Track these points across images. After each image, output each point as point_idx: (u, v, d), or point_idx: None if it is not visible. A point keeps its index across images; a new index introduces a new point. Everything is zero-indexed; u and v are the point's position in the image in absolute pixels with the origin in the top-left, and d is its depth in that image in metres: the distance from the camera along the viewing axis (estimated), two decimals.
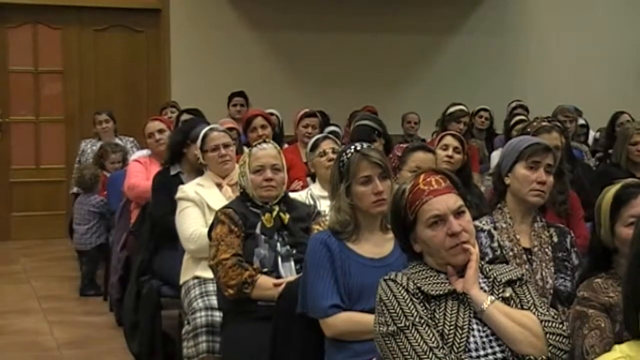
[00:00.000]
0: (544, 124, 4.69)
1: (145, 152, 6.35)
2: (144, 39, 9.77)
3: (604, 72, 10.71)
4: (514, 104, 8.85)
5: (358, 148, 3.20)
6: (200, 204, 4.46)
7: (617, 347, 1.92)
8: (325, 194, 4.13)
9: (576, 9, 10.86)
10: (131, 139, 8.17)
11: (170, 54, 9.63)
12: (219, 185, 4.61)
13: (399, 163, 4.29)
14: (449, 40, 10.64)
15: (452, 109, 7.20)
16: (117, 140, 7.94)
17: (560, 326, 2.53)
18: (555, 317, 2.56)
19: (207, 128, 4.81)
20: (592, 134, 8.59)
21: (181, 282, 4.45)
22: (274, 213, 3.85)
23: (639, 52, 11.09)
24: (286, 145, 6.66)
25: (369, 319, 2.70)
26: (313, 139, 4.96)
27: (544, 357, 2.45)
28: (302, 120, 6.47)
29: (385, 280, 2.52)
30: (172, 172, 5.14)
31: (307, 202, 4.43)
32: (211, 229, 3.88)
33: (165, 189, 4.94)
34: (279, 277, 3.70)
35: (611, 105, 8.76)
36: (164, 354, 4.76)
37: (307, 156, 4.96)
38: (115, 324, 5.91)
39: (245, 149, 4.40)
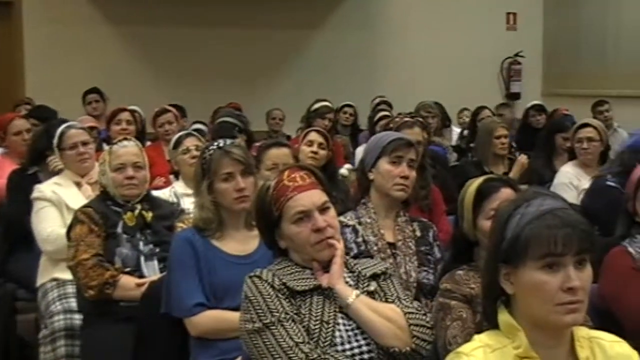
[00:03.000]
0: (406, 119, 4.77)
1: None
2: None
3: (465, 68, 11.01)
4: (377, 100, 8.99)
5: (220, 145, 3.19)
6: (58, 203, 4.34)
7: (476, 337, 1.96)
8: (189, 191, 4.08)
9: (437, 7, 11.13)
10: None
11: (23, 48, 9.30)
12: (78, 184, 4.49)
13: (256, 163, 4.27)
14: (313, 36, 10.71)
15: (316, 105, 7.24)
16: None
17: (424, 318, 2.56)
18: (419, 309, 2.59)
19: (64, 126, 4.67)
20: (455, 130, 8.82)
21: (38, 284, 4.31)
22: (136, 212, 3.77)
23: (497, 49, 11.48)
24: (148, 143, 6.54)
25: (235, 316, 2.67)
26: (176, 136, 4.89)
27: (408, 348, 2.48)
28: (157, 120, 6.41)
29: (250, 277, 2.51)
30: (30, 171, 4.96)
31: (170, 200, 4.36)
32: (70, 229, 3.76)
33: (21, 189, 4.78)
34: (142, 276, 3.63)
35: (471, 101, 9.04)
36: None
37: (170, 153, 4.88)
38: None
39: (105, 147, 4.28)
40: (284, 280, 2.48)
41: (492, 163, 5.78)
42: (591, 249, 1.86)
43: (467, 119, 9.17)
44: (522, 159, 5.90)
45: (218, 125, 5.44)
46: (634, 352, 1.98)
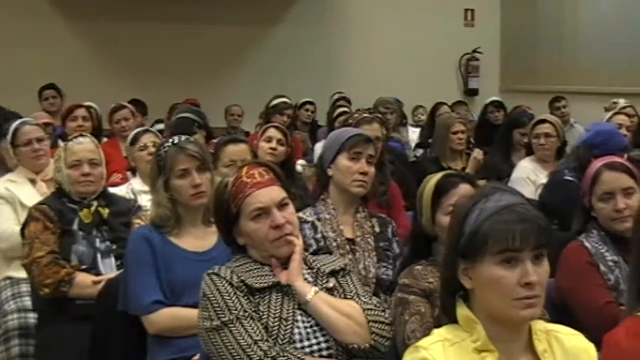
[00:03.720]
0: (365, 115, 4.76)
1: None
2: None
3: (423, 64, 11.05)
4: (336, 96, 8.99)
5: (175, 141, 3.17)
6: (11, 200, 4.29)
7: (435, 331, 1.96)
8: (147, 188, 4.05)
9: (395, 2, 11.14)
10: None
11: None
12: (33, 181, 4.43)
13: (213, 159, 4.24)
14: (272, 31, 10.68)
15: (275, 101, 7.22)
16: None
17: (383, 314, 2.57)
18: (378, 305, 2.60)
19: (18, 122, 4.61)
20: (411, 129, 8.84)
21: None
22: (93, 208, 3.73)
23: (455, 45, 11.54)
24: (105, 139, 6.48)
25: (193, 313, 2.65)
26: (133, 133, 4.85)
27: (367, 345, 2.48)
28: (113, 116, 6.37)
29: (208, 274, 2.50)
30: None
31: (127, 196, 4.34)
32: (24, 226, 3.72)
33: None
34: (98, 274, 3.60)
35: (430, 97, 9.09)
36: None
37: (127, 150, 4.84)
38: None
39: (61, 143, 4.23)
40: (242, 278, 2.47)
41: (449, 158, 5.81)
42: (548, 244, 1.88)
43: (422, 117, 9.23)
44: (477, 154, 5.93)
45: (177, 121, 5.41)
46: (590, 345, 2.00)
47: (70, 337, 3.43)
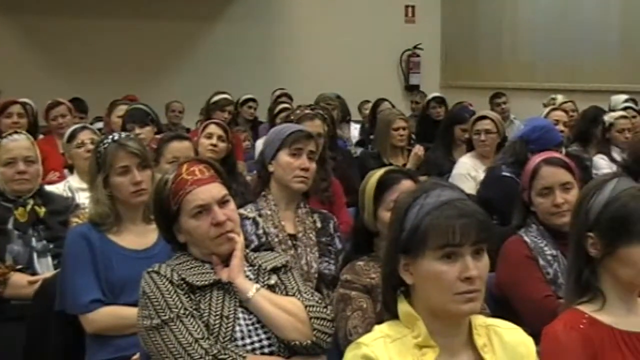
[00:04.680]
0: (306, 111, 4.76)
1: None
2: None
3: (365, 60, 11.10)
4: (278, 92, 8.97)
5: (115, 138, 3.15)
6: None
7: (377, 327, 1.97)
8: (85, 185, 4.00)
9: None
10: None
11: None
12: None
13: (156, 155, 4.19)
14: (213, 27, 10.63)
15: (216, 98, 7.18)
16: None
17: (325, 310, 2.57)
18: (320, 301, 2.60)
19: None
20: (354, 125, 8.87)
21: None
22: (28, 207, 3.68)
23: (396, 41, 11.61)
24: (41, 136, 6.36)
25: (133, 312, 2.62)
26: (70, 130, 4.77)
27: (309, 341, 2.49)
28: (49, 113, 6.27)
29: (148, 272, 2.48)
30: None
31: (64, 194, 4.27)
32: None
33: None
34: (34, 273, 3.55)
35: (371, 93, 9.12)
36: None
37: (64, 147, 4.76)
38: None
39: None
40: (183, 276, 2.46)
41: (391, 155, 5.83)
42: (488, 239, 1.89)
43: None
44: (418, 150, 5.96)
45: (132, 111, 5.35)
46: (529, 339, 2.02)
47: (5, 339, 3.37)
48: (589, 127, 6.53)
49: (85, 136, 4.60)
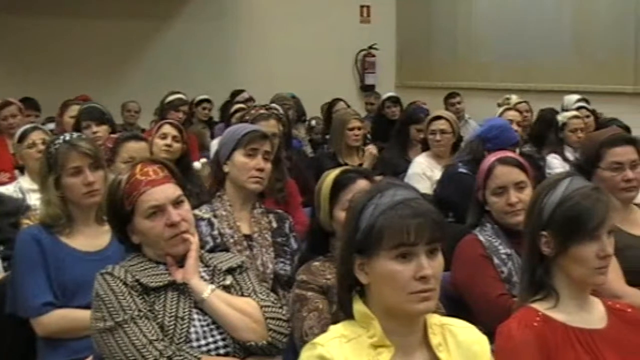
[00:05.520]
0: (262, 111, 4.74)
1: None
2: None
3: (320, 60, 11.08)
4: (232, 92, 8.93)
5: (67, 138, 3.12)
6: None
7: (332, 327, 1.98)
8: (36, 187, 3.93)
9: None
10: None
11: None
12: None
13: (111, 155, 4.14)
14: (168, 27, 10.55)
15: (170, 98, 7.12)
16: None
17: (280, 310, 2.57)
18: (275, 302, 2.60)
19: None
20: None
21: None
22: None
23: (352, 41, 11.62)
24: None
25: (85, 315, 2.59)
26: (21, 130, 4.72)
27: (264, 342, 2.48)
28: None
29: (101, 274, 2.46)
30: None
31: (15, 195, 4.23)
32: None
33: None
34: None
35: (327, 92, 9.12)
36: None
37: (15, 147, 4.70)
38: None
39: None
40: (137, 277, 2.44)
41: (346, 154, 5.84)
42: (442, 238, 1.90)
43: None
44: (371, 149, 5.97)
45: (89, 108, 5.28)
46: (484, 337, 2.04)
47: None
48: (545, 130, 6.61)
49: (36, 136, 4.54)
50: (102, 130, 4.95)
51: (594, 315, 2.25)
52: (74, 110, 5.87)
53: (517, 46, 10.10)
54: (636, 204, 3.46)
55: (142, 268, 2.48)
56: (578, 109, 6.81)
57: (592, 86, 8.89)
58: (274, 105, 5.87)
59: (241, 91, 8.94)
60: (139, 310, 2.38)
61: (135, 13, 10.13)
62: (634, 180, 3.35)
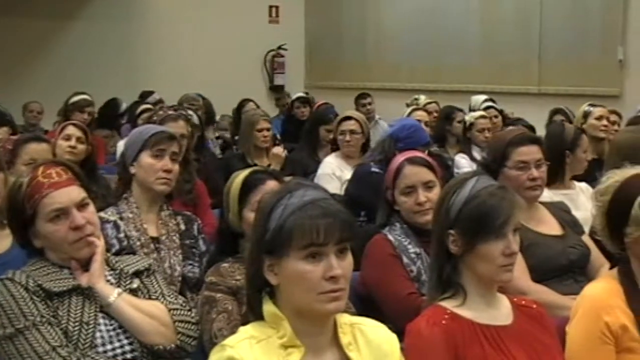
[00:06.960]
0: (170, 112, 4.68)
1: None
2: None
3: (229, 60, 11.03)
4: (141, 92, 8.79)
5: None
6: None
7: (242, 328, 1.96)
8: None
9: None
10: None
11: None
12: None
13: (11, 157, 4.03)
14: (73, 26, 10.34)
15: (75, 98, 6.98)
16: None
17: (189, 313, 2.55)
18: (184, 304, 2.57)
19: None
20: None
21: None
22: None
23: (261, 41, 11.60)
24: None
25: None
26: None
27: (172, 345, 2.46)
28: None
29: (1, 279, 2.40)
30: None
31: None
32: None
33: None
34: None
35: (237, 93, 9.07)
36: None
37: None
38: None
39: None
40: (39, 282, 2.38)
41: (255, 155, 5.81)
42: (352, 238, 1.91)
43: None
44: (277, 150, 5.94)
45: None
46: (393, 336, 2.05)
47: None
48: (443, 126, 6.74)
49: None
50: (1, 131, 4.81)
51: (501, 312, 2.29)
52: None
53: (426, 47, 10.26)
54: (541, 202, 3.54)
55: (45, 272, 2.43)
56: (486, 109, 6.95)
57: (498, 86, 9.11)
58: (183, 106, 5.81)
59: (151, 92, 8.80)
60: (42, 316, 2.32)
61: (39, 11, 9.90)
62: (538, 179, 3.43)
